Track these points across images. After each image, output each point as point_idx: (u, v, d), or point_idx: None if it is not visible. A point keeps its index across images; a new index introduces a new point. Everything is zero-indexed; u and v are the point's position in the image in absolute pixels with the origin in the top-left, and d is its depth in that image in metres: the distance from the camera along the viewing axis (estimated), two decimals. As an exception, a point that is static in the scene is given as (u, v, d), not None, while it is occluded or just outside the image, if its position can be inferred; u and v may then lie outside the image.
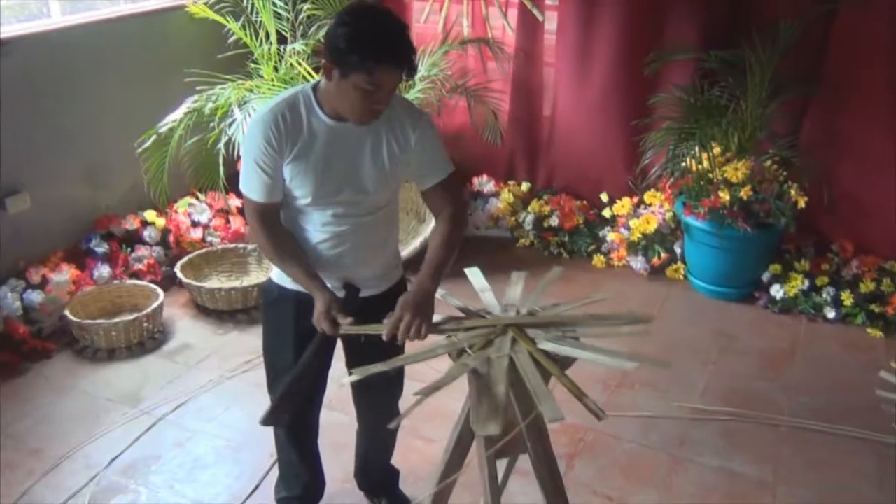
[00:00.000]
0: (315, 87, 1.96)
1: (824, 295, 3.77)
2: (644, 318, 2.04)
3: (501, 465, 2.16)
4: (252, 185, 1.98)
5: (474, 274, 2.18)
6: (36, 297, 3.42)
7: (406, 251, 3.98)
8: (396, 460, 2.59)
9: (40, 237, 3.65)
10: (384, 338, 1.88)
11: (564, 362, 1.84)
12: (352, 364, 2.21)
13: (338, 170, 1.96)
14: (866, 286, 3.71)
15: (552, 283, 2.17)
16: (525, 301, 2.07)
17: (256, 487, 2.69)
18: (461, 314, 2.03)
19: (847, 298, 3.72)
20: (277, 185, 1.97)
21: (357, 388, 2.28)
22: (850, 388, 3.28)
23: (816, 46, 3.78)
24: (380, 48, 1.79)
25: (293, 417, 2.22)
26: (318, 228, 2.03)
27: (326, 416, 2.45)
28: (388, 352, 1.88)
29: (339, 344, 2.17)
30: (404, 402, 2.42)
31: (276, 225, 2.03)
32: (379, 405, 2.33)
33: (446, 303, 2.07)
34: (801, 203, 3.73)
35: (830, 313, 3.75)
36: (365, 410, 2.40)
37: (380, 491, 2.59)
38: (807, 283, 3.81)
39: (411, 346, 1.94)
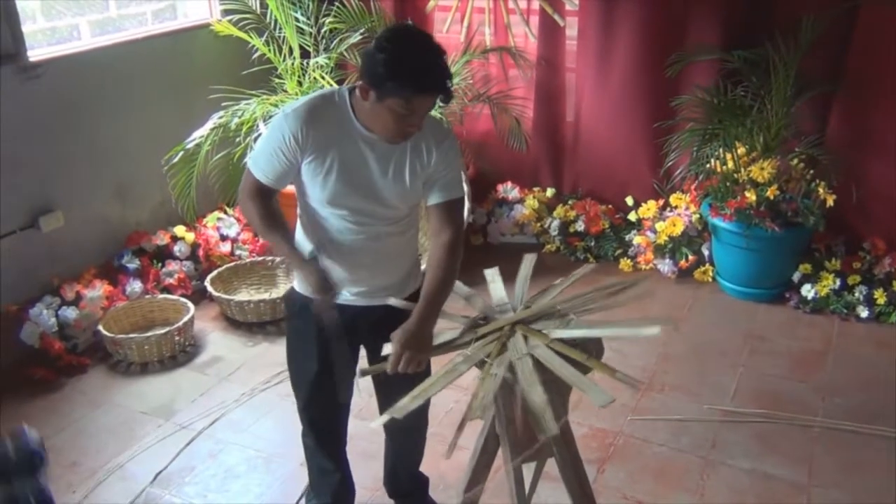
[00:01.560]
0: (352, 91, 1.97)
1: (856, 294, 3.72)
2: (644, 290, 2.04)
3: (530, 469, 2.16)
4: (263, 166, 2.00)
5: (493, 275, 2.19)
6: (70, 313, 3.49)
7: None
8: (426, 467, 2.59)
9: (73, 254, 3.72)
10: (388, 372, 1.92)
11: (583, 346, 1.84)
12: (380, 392, 2.28)
13: (357, 178, 1.98)
14: (900, 284, 3.65)
15: (581, 278, 2.17)
16: (552, 299, 2.07)
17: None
18: (456, 325, 2.04)
19: (880, 297, 3.66)
20: (288, 175, 2.00)
21: (383, 395, 2.30)
22: (885, 388, 3.23)
23: (840, 42, 3.74)
24: (418, 76, 1.81)
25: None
26: (335, 230, 2.06)
27: (355, 425, 2.47)
28: (413, 378, 1.91)
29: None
30: (433, 408, 2.44)
31: (267, 200, 2.05)
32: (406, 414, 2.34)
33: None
34: (830, 201, 3.68)
35: (863, 312, 3.69)
36: (392, 420, 2.41)
37: (409, 499, 2.60)
38: (838, 282, 3.76)
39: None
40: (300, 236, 2.14)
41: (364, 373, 2.03)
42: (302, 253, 2.04)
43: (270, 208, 2.06)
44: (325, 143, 1.95)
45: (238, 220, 4.26)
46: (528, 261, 2.22)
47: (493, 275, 2.19)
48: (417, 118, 1.88)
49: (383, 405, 2.36)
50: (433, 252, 2.06)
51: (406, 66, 1.81)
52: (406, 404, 1.82)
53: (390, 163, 1.99)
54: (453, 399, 3.14)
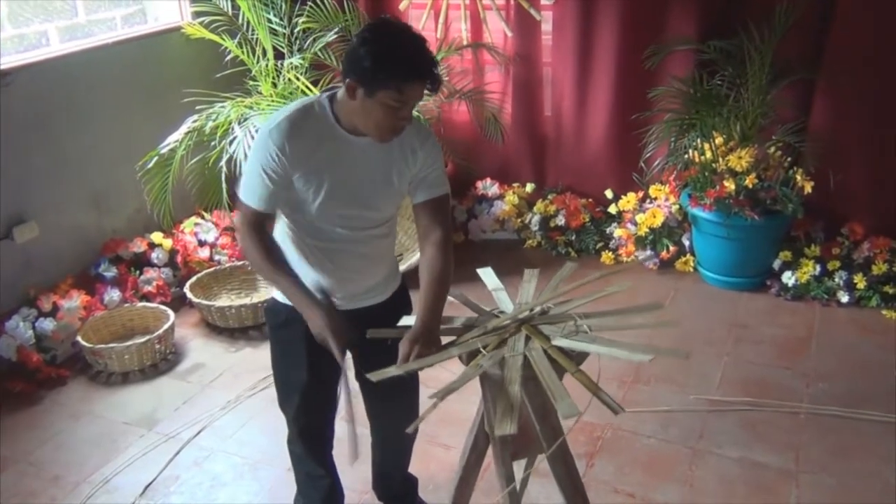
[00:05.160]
0: (332, 99, 1.95)
1: (837, 279, 3.75)
2: (655, 306, 2.03)
3: (520, 466, 2.15)
4: (253, 191, 1.95)
5: (487, 274, 2.18)
6: (48, 325, 3.43)
7: (414, 259, 3.98)
8: (415, 468, 2.57)
9: (49, 265, 3.66)
10: (396, 370, 1.85)
11: (578, 358, 1.83)
12: (363, 377, 2.19)
13: (348, 185, 1.96)
14: (879, 268, 3.68)
15: (564, 279, 2.16)
16: (538, 299, 2.06)
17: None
18: (472, 317, 2.02)
19: (860, 281, 3.69)
20: (279, 194, 1.95)
21: (371, 397, 2.27)
22: (869, 372, 3.25)
23: (818, 28, 3.75)
24: (407, 64, 1.79)
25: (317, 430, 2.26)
26: (324, 239, 2.03)
27: (342, 428, 2.43)
28: (402, 381, 1.88)
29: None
30: (420, 408, 2.42)
31: (267, 237, 2.01)
32: (394, 414, 2.32)
33: (458, 303, 2.07)
34: (808, 188, 3.71)
35: (844, 297, 3.72)
36: (380, 420, 2.38)
37: (399, 500, 2.58)
38: (818, 268, 3.79)
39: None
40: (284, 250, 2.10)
41: (378, 378, 1.95)
42: (314, 294, 1.98)
43: (272, 249, 2.00)
44: (312, 155, 1.91)
45: (216, 224, 4.22)
46: (568, 268, 2.19)
47: (531, 275, 2.17)
48: (408, 110, 1.86)
49: (371, 408, 2.34)
50: (426, 251, 2.04)
51: (393, 55, 1.79)
52: (391, 371, 1.83)
53: (377, 166, 1.97)
54: (440, 398, 3.12)
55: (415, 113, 3.97)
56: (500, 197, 4.48)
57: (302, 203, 1.97)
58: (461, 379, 1.77)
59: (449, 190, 2.09)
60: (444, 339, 1.96)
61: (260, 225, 1.99)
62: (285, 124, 1.91)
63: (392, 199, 2.04)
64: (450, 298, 2.01)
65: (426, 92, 1.86)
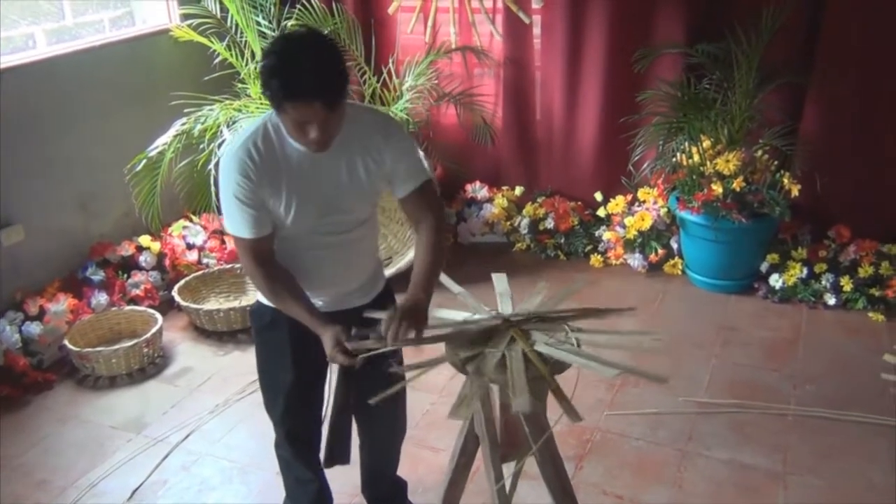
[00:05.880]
0: None
1: (823, 282, 3.77)
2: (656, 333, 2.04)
3: (510, 470, 2.15)
4: (237, 222, 1.95)
5: (499, 279, 2.18)
6: (34, 328, 3.41)
7: (403, 262, 3.98)
8: (404, 471, 2.57)
9: (36, 268, 3.64)
10: (387, 341, 1.83)
11: (558, 366, 1.84)
12: (348, 382, 2.19)
13: (317, 194, 1.95)
14: (865, 270, 3.70)
15: (540, 294, 2.16)
16: (537, 307, 2.06)
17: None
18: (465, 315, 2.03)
19: (846, 284, 3.72)
20: (263, 217, 1.94)
21: (359, 400, 2.26)
22: (855, 374, 3.27)
23: (807, 32, 3.78)
24: (286, 84, 1.73)
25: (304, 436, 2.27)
26: (303, 251, 2.03)
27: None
28: (384, 371, 1.87)
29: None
30: (409, 410, 2.42)
31: (271, 263, 1.99)
32: (382, 416, 2.32)
33: (461, 300, 2.07)
34: (795, 191, 3.73)
35: (831, 300, 3.74)
36: (368, 423, 2.38)
37: (389, 503, 2.57)
38: (805, 270, 3.81)
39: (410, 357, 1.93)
40: None
41: (357, 351, 1.93)
42: (322, 315, 1.96)
43: (278, 275, 1.98)
44: (274, 175, 1.90)
45: (204, 227, 4.20)
46: (540, 287, 2.19)
47: (542, 287, 2.17)
48: (319, 127, 1.79)
49: (359, 410, 2.33)
50: (419, 238, 2.04)
51: (276, 73, 1.74)
52: (368, 343, 1.86)
53: (341, 169, 1.96)
54: (429, 402, 3.13)
55: (403, 115, 4.02)
56: (490, 200, 4.49)
57: (277, 219, 1.96)
58: (433, 361, 1.79)
59: (429, 175, 2.08)
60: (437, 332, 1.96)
61: (261, 252, 1.98)
62: (241, 151, 1.90)
63: (364, 199, 2.03)
64: (454, 294, 2.00)
65: (328, 109, 1.76)
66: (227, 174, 1.91)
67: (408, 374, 1.83)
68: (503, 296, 2.12)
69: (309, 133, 1.81)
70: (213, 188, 3.63)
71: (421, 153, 2.09)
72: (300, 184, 1.93)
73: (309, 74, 1.73)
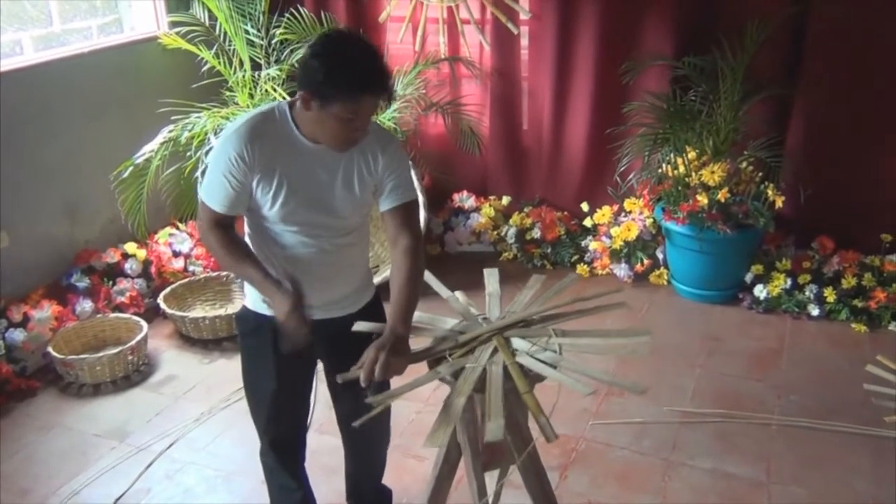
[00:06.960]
0: (291, 106, 1.95)
1: (807, 293, 3.80)
2: (643, 332, 2.04)
3: (492, 478, 2.15)
4: (215, 195, 1.96)
5: (491, 275, 2.19)
6: (18, 335, 3.39)
7: (389, 270, 3.98)
8: (389, 480, 2.57)
9: (20, 275, 3.61)
10: (362, 382, 1.85)
11: (537, 378, 1.84)
12: (334, 388, 2.18)
13: (308, 192, 1.96)
14: (848, 282, 3.73)
15: (533, 290, 2.18)
16: (526, 310, 2.07)
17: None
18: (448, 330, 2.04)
19: (830, 295, 3.74)
20: (241, 199, 1.96)
21: (342, 407, 2.27)
22: (839, 384, 3.29)
23: (792, 45, 3.82)
24: (357, 79, 1.79)
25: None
26: (290, 246, 2.03)
27: (317, 440, 2.44)
28: (366, 394, 1.88)
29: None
30: (394, 419, 2.42)
31: (228, 231, 2.01)
32: (366, 426, 2.31)
33: (449, 305, 2.07)
34: (779, 203, 3.76)
35: (814, 311, 3.77)
36: (352, 432, 2.37)
37: (374, 512, 2.57)
38: (789, 281, 3.84)
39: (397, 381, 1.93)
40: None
41: (343, 379, 1.94)
42: (276, 279, 1.97)
43: (232, 237, 2.00)
44: (271, 160, 1.92)
45: (191, 235, 4.19)
46: (536, 280, 2.21)
47: (536, 281, 2.20)
48: (362, 122, 1.87)
49: (342, 417, 2.33)
50: (395, 259, 2.03)
51: (344, 70, 1.79)
52: (352, 374, 1.84)
53: (338, 173, 1.97)
54: (414, 410, 3.12)
55: (391, 125, 4.02)
56: (477, 209, 4.50)
57: (263, 207, 1.97)
58: (412, 383, 1.78)
59: (416, 196, 2.09)
60: (421, 345, 1.97)
61: (220, 224, 1.99)
62: (244, 129, 1.91)
63: (355, 207, 2.03)
64: (442, 297, 2.01)
65: (381, 104, 1.87)
66: (223, 149, 1.92)
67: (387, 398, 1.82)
68: (492, 296, 2.12)
69: (354, 129, 1.87)
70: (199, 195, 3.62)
71: (414, 176, 2.09)
72: (294, 172, 1.94)
73: (374, 69, 1.82)
